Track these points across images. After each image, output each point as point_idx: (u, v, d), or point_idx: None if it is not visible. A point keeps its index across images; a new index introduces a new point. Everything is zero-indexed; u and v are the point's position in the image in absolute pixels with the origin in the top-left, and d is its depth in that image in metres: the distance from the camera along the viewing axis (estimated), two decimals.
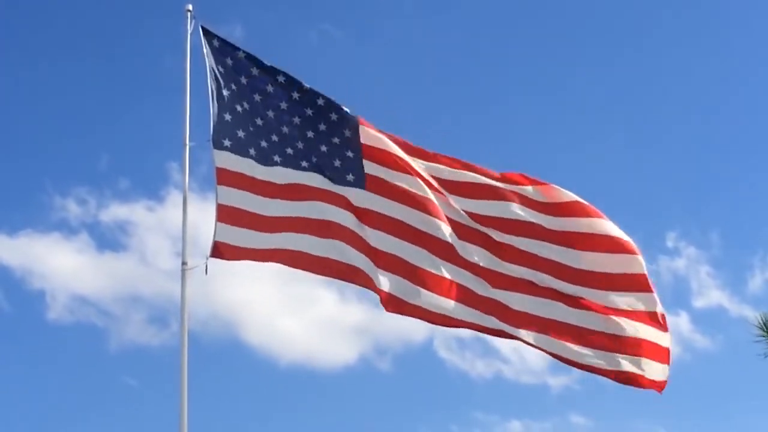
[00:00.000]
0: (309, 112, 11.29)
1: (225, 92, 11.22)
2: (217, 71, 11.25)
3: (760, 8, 29.82)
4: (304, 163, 11.21)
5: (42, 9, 28.49)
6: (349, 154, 11.20)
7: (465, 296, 10.88)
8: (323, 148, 11.23)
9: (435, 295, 10.84)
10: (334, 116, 11.28)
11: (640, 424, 25.44)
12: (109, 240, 27.04)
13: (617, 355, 10.83)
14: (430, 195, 11.08)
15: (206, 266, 10.80)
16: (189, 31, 11.38)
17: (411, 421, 25.66)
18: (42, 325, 26.40)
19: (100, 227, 26.97)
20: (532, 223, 11.02)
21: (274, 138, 11.24)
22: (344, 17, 29.40)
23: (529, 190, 11.10)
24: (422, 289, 10.85)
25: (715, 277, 28.08)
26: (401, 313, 10.95)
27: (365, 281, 10.98)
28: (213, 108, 11.14)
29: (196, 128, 11.29)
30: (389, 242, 10.96)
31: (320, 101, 11.29)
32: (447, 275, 10.91)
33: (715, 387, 26.74)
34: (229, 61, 11.31)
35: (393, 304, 10.85)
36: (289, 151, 11.21)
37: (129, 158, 28.07)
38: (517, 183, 11.15)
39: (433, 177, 11.16)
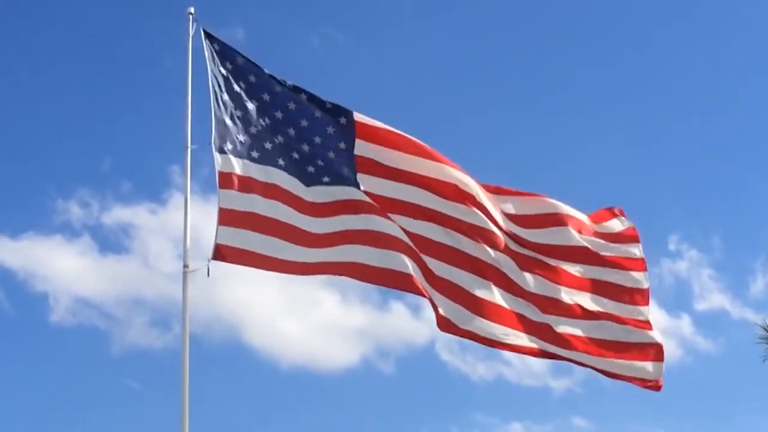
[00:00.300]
0: (304, 123, 11.33)
1: (225, 96, 11.23)
2: (217, 75, 11.26)
3: (760, 9, 29.86)
4: (302, 176, 11.23)
5: (43, 11, 28.55)
6: (345, 169, 11.25)
7: (518, 322, 11.34)
8: (319, 162, 11.29)
9: (489, 322, 11.24)
10: (330, 129, 11.33)
11: (640, 427, 25.49)
12: (111, 242, 27.09)
13: (660, 363, 11.57)
14: (491, 227, 11.35)
15: (208, 269, 10.80)
16: (191, 34, 11.39)
17: (412, 423, 25.70)
18: (44, 327, 26.45)
19: (103, 230, 27.01)
20: (587, 248, 11.68)
21: (271, 144, 11.27)
22: (345, 20, 29.44)
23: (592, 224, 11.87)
24: (477, 316, 11.21)
25: (717, 280, 28.10)
26: (453, 334, 11.31)
27: (421, 291, 11.13)
28: (214, 111, 11.15)
29: (199, 131, 11.30)
30: (442, 269, 11.24)
31: (317, 113, 11.34)
32: (503, 303, 11.32)
33: (716, 389, 26.77)
34: (230, 66, 11.34)
35: (446, 325, 11.16)
36: (281, 162, 11.22)
37: (131, 161, 28.11)
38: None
39: (503, 213, 11.53)
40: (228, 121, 11.18)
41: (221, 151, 11.04)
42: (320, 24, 28.76)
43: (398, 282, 11.13)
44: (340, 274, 11.28)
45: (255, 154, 11.19)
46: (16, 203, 28.38)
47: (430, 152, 11.38)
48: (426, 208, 11.28)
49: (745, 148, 30.19)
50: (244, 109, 11.28)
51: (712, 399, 26.55)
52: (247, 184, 11.06)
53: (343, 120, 11.31)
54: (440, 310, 11.07)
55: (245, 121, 11.26)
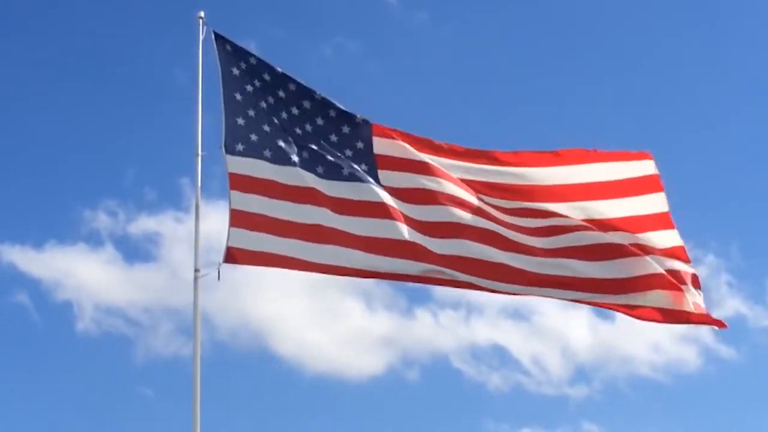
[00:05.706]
0: (320, 121, 11.35)
1: (238, 96, 11.23)
2: (229, 75, 11.26)
3: None
4: (320, 169, 11.22)
5: (66, 29, 28.81)
6: (363, 167, 11.24)
7: (513, 275, 11.20)
8: (337, 158, 11.26)
9: (505, 284, 11.23)
10: (345, 129, 11.35)
11: None
12: (137, 251, 27.20)
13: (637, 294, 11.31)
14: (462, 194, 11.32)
15: (219, 272, 10.81)
16: (201, 38, 11.41)
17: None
18: (71, 335, 26.58)
19: (129, 239, 27.14)
20: (554, 212, 11.36)
21: (285, 142, 11.23)
22: (358, 30, 29.51)
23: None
24: (495, 281, 11.22)
25: (735, 286, 27.89)
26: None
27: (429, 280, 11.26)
28: (225, 112, 11.15)
29: (217, 135, 11.28)
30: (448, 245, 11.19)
31: (332, 112, 11.37)
32: (496, 260, 11.16)
33: (737, 396, 26.56)
34: (243, 65, 11.34)
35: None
36: (297, 157, 11.21)
37: (154, 170, 28.24)
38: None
39: (463, 179, 11.41)
40: (240, 121, 11.18)
41: (232, 152, 11.05)
42: (333, 34, 28.83)
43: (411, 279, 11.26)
44: (360, 277, 11.28)
45: (267, 153, 11.18)
46: (40, 214, 28.62)
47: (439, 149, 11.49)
48: (420, 189, 11.26)
49: (761, 153, 30.00)
50: (257, 107, 11.27)
51: (731, 405, 26.33)
52: (258, 186, 11.05)
53: (358, 119, 11.37)
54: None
55: (258, 119, 11.25)
